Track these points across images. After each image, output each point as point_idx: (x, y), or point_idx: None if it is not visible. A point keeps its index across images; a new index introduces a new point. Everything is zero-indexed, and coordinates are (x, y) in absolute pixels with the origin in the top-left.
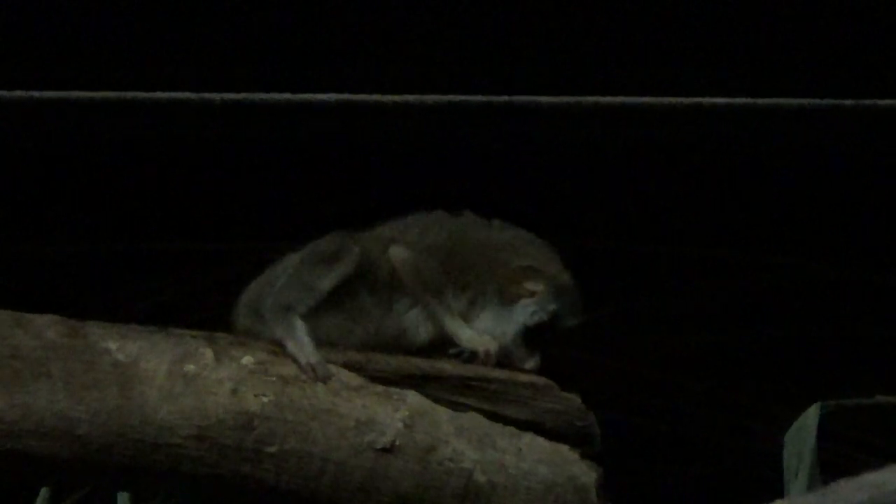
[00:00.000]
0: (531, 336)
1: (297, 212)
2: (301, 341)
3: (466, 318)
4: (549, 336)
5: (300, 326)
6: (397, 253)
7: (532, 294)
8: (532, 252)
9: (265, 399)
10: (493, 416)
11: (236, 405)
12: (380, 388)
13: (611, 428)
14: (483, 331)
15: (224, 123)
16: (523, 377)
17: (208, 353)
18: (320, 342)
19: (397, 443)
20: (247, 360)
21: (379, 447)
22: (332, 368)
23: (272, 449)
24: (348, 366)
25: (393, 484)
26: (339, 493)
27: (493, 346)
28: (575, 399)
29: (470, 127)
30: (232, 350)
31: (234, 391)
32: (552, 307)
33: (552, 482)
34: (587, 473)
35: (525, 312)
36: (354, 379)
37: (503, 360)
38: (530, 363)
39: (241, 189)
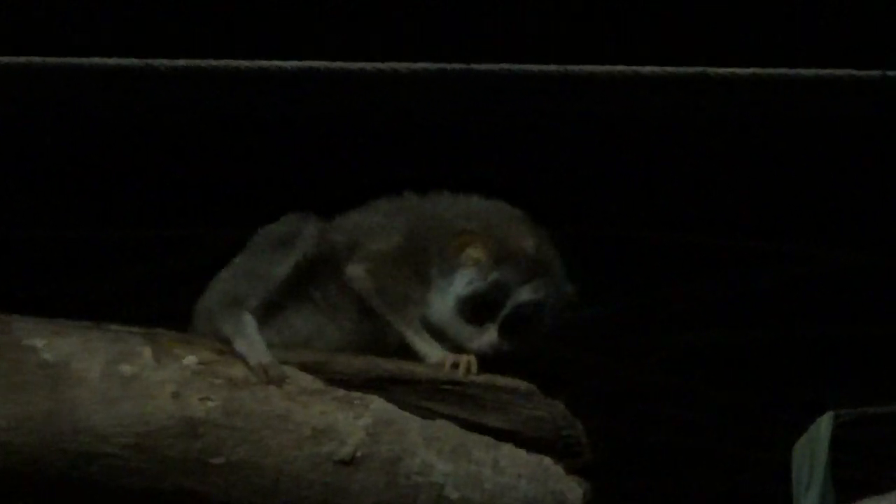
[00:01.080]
0: (477, 311)
1: (263, 194)
2: (250, 339)
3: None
4: (507, 314)
5: (249, 322)
6: (354, 272)
7: (473, 262)
8: (484, 218)
9: (211, 404)
10: (468, 425)
11: (179, 410)
12: (340, 392)
13: (601, 438)
14: (435, 313)
15: (165, 94)
16: (502, 381)
17: (147, 352)
18: (289, 343)
19: (359, 454)
20: (190, 359)
21: (339, 459)
22: (287, 370)
23: (219, 460)
24: (305, 367)
25: (354, 500)
26: None
27: (457, 358)
28: (560, 406)
29: (469, 99)
30: (174, 348)
31: (177, 395)
32: (494, 275)
33: (533, 499)
34: (573, 489)
35: (461, 282)
36: (312, 382)
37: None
38: (476, 343)
39: (198, 168)
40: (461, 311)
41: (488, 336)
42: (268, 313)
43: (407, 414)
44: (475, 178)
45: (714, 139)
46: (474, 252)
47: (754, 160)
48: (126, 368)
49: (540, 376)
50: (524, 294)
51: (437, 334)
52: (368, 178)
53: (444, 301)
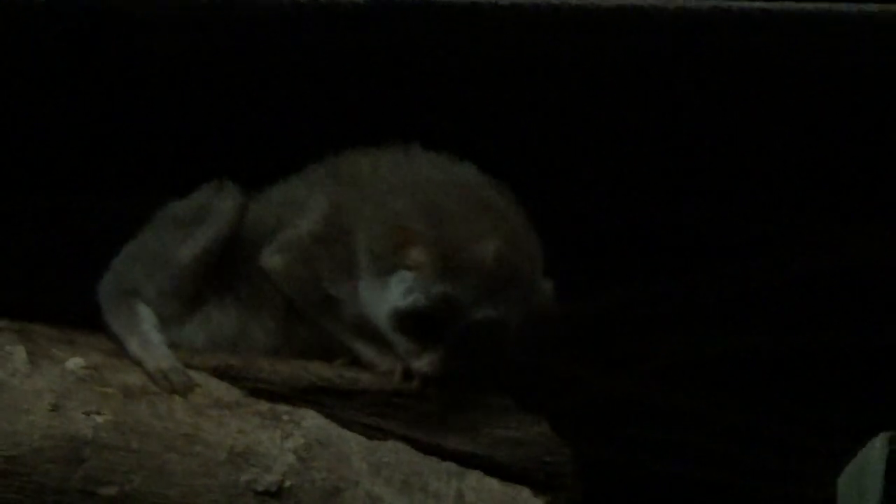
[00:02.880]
0: (419, 326)
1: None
2: (146, 337)
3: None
4: (459, 331)
5: (146, 316)
6: (269, 262)
7: (413, 267)
8: (432, 205)
9: (100, 419)
10: (426, 447)
11: (58, 427)
12: (264, 405)
13: (595, 467)
14: (370, 314)
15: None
16: (469, 394)
17: (20, 354)
18: (210, 345)
19: (288, 484)
20: (74, 363)
21: (261, 490)
22: (196, 377)
23: (109, 491)
24: (219, 373)
25: None
26: None
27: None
28: (542, 425)
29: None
30: (53, 349)
31: (56, 407)
32: (439, 289)
33: None
34: None
35: (398, 289)
36: (228, 392)
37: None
38: (417, 363)
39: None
40: (399, 324)
41: (431, 356)
42: (189, 307)
43: (348, 433)
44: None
45: (724, 110)
46: (415, 255)
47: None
48: None
49: (516, 389)
50: (479, 313)
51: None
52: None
53: (377, 305)
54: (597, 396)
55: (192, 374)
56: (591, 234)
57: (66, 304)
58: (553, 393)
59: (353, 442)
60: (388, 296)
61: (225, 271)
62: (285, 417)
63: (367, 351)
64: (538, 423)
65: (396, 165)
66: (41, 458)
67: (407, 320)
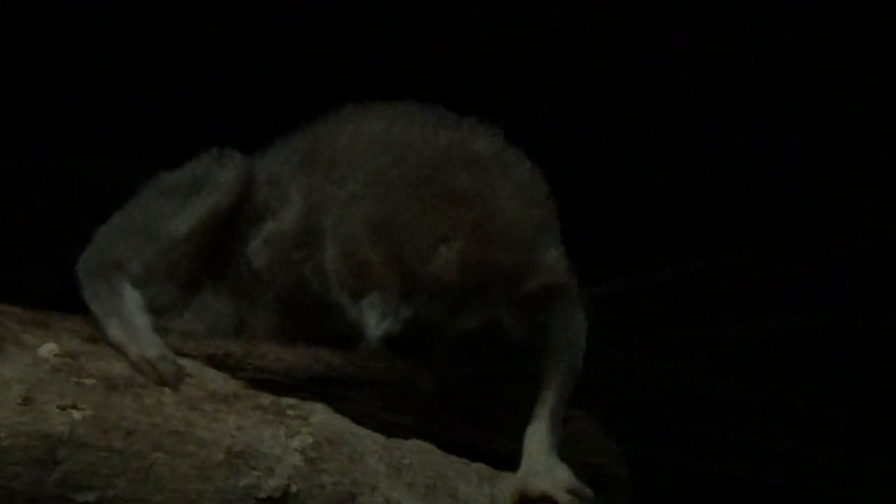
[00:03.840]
0: (406, 346)
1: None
2: (129, 320)
3: None
4: (447, 343)
5: (129, 296)
6: (257, 260)
7: (378, 289)
8: (396, 205)
9: (77, 414)
10: (451, 446)
11: (30, 424)
12: (267, 398)
13: (640, 467)
14: None
15: None
16: (501, 386)
17: None
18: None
19: (293, 489)
20: (48, 349)
21: (263, 496)
22: (188, 365)
23: (88, 497)
24: (216, 362)
25: None
26: None
27: None
28: (588, 420)
29: None
30: (24, 333)
31: (27, 400)
32: (406, 313)
33: None
34: None
35: (369, 314)
36: (225, 384)
37: None
38: (421, 382)
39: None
40: (385, 348)
41: (431, 372)
42: (182, 292)
43: (363, 430)
44: None
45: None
46: (375, 278)
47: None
48: None
49: None
50: (459, 324)
51: None
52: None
53: (360, 329)
54: (646, 388)
55: (185, 362)
56: (633, 209)
57: (37, 282)
58: (600, 384)
59: (368, 440)
60: (364, 321)
61: (222, 253)
62: (291, 412)
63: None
64: (582, 419)
65: (371, 142)
66: (9, 459)
67: (389, 344)
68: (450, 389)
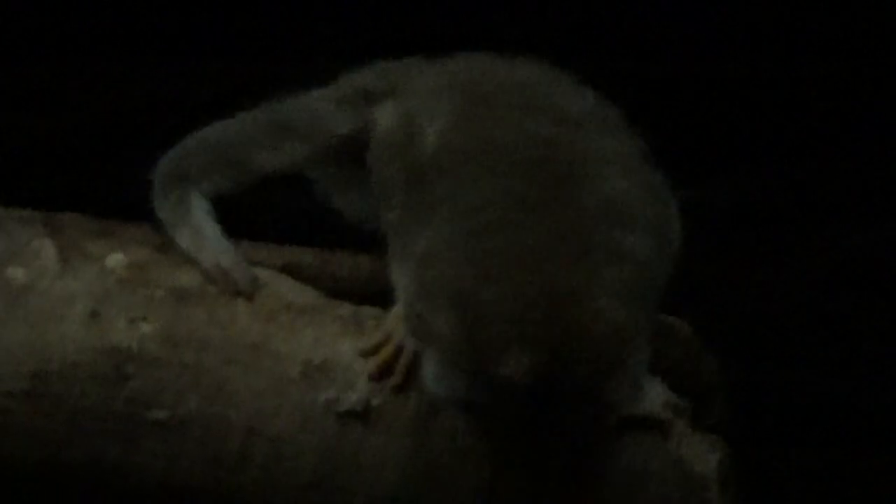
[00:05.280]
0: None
1: None
2: (202, 229)
3: None
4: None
5: (201, 205)
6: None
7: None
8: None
9: (147, 328)
10: None
11: (96, 338)
12: (346, 308)
13: (743, 382)
14: None
15: None
16: None
17: (49, 249)
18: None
19: (375, 402)
20: (115, 260)
21: (343, 410)
22: (263, 275)
23: (159, 414)
24: (291, 270)
25: (369, 475)
26: (275, 490)
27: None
28: (684, 328)
29: None
30: (89, 244)
31: (95, 315)
32: (463, 392)
33: (641, 470)
34: (704, 457)
35: (429, 369)
36: (302, 294)
37: None
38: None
39: None
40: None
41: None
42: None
43: None
44: None
45: None
46: (437, 329)
47: None
48: (16, 274)
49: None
50: (607, 397)
51: None
52: None
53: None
54: (749, 302)
55: (259, 272)
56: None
57: (102, 191)
58: (694, 298)
59: None
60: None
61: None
62: (372, 323)
63: None
64: (677, 326)
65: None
66: (76, 375)
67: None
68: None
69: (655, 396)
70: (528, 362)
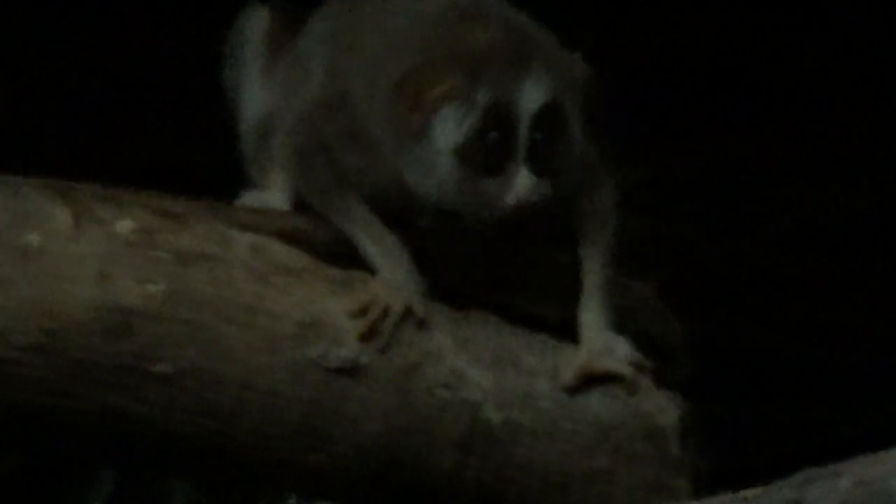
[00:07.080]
0: (486, 156)
1: None
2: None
3: None
4: (536, 135)
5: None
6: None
7: (445, 97)
8: (418, 38)
9: (152, 288)
10: (518, 318)
11: (106, 298)
12: (336, 272)
13: (705, 339)
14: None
15: None
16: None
17: (62, 215)
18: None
19: (363, 360)
20: (124, 225)
21: (333, 366)
22: (259, 240)
23: (162, 368)
24: (284, 235)
25: (354, 426)
26: (266, 439)
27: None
28: (647, 289)
29: None
30: (99, 209)
31: (103, 275)
32: (482, 94)
33: (610, 424)
34: (666, 411)
35: (446, 130)
36: (296, 257)
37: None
38: (513, 195)
39: None
40: (470, 163)
41: (522, 180)
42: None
43: (430, 302)
44: None
45: None
46: (437, 87)
47: None
48: (31, 238)
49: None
50: (531, 96)
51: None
52: None
53: (431, 170)
54: (708, 264)
55: (255, 237)
56: (692, 82)
57: (110, 159)
58: (661, 260)
59: (434, 312)
60: (441, 145)
61: None
62: (360, 284)
63: (374, 250)
64: (642, 288)
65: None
66: (85, 331)
67: (475, 153)
68: (495, 253)
69: (622, 354)
70: (493, 34)
